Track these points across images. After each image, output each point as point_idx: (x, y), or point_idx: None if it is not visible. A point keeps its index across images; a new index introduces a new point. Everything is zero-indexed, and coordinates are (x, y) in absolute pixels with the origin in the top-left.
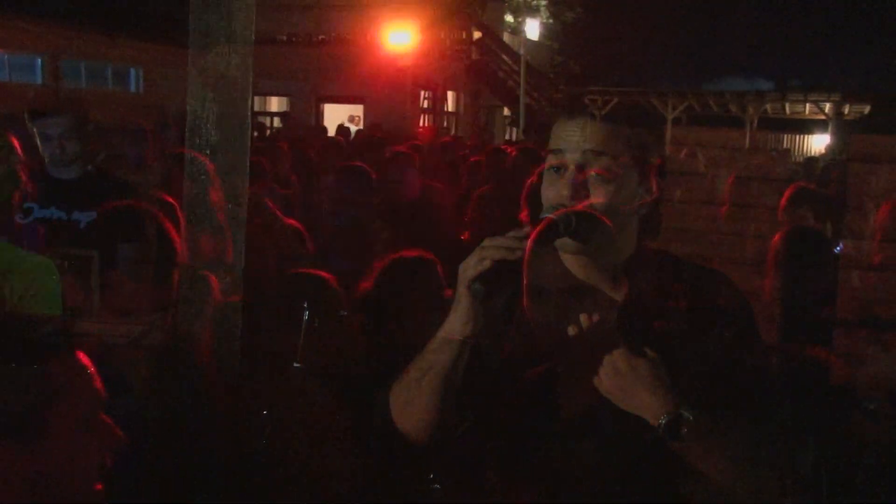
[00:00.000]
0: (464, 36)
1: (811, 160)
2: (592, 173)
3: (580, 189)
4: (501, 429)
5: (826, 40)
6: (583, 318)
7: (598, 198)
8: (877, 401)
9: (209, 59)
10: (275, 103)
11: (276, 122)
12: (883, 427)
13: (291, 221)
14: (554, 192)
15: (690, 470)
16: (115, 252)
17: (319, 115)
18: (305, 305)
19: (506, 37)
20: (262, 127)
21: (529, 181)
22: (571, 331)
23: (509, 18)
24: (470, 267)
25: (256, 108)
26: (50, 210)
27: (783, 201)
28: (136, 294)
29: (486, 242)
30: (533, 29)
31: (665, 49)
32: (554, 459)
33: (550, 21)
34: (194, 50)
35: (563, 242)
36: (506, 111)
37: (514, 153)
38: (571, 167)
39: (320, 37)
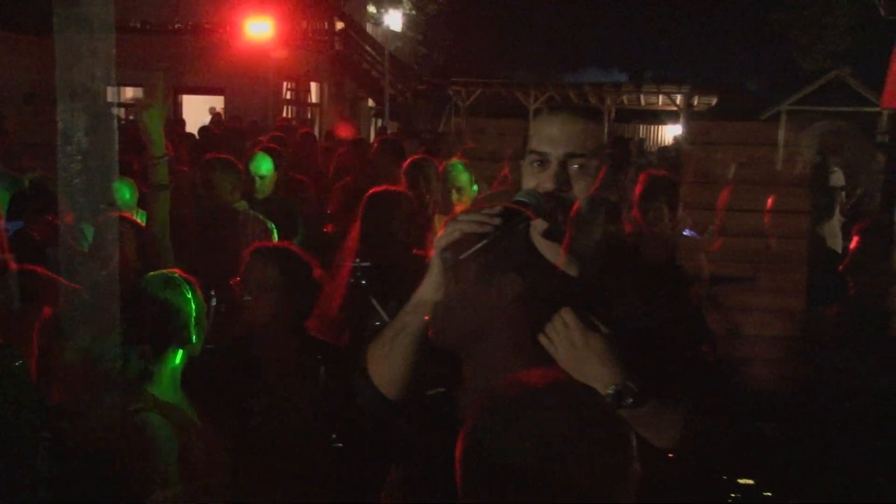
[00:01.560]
0: (326, 26)
1: (664, 150)
2: (574, 167)
3: (563, 182)
4: (464, 392)
5: (677, 34)
6: (545, 294)
7: (579, 190)
8: None
9: (74, 72)
10: (129, 94)
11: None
12: None
13: None
14: (537, 184)
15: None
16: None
17: (178, 107)
18: (213, 293)
19: (369, 28)
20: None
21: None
22: (534, 306)
23: (372, 9)
24: (442, 237)
25: (108, 99)
26: None
27: (637, 191)
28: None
29: (460, 216)
30: (396, 20)
31: (526, 40)
32: (512, 422)
33: (413, 13)
34: (60, 66)
35: (539, 225)
36: (370, 102)
37: (375, 144)
38: (554, 162)
39: (176, 25)
